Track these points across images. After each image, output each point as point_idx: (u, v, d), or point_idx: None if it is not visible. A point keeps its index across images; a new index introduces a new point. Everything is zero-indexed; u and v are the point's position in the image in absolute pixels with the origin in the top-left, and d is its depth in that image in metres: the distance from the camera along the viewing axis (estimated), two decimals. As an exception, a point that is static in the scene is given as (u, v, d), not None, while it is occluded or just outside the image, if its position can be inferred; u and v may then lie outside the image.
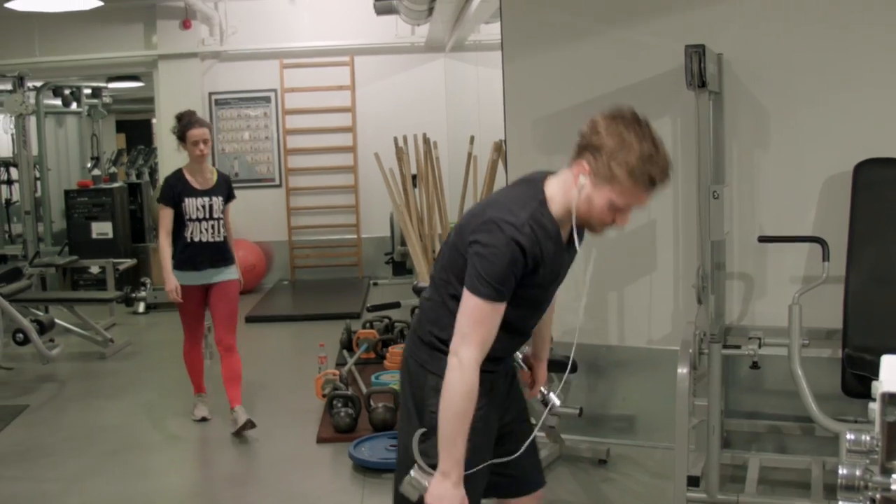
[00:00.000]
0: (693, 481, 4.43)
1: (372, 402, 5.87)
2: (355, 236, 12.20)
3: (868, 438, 1.62)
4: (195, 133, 5.99)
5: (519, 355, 3.30)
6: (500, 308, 2.62)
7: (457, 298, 2.67)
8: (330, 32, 11.77)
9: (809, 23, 4.78)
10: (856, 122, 4.75)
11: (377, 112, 11.82)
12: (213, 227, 6.08)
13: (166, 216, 6.02)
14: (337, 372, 6.56)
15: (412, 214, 6.51)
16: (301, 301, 11.14)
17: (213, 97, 12.00)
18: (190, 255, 6.05)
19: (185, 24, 11.51)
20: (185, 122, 6.00)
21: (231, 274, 6.21)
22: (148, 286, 10.68)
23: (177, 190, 6.02)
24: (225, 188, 6.21)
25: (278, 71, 11.93)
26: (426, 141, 6.62)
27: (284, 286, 11.92)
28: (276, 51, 11.86)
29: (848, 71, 4.75)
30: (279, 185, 12.08)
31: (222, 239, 6.14)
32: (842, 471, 1.65)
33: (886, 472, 1.58)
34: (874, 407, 1.67)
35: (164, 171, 11.65)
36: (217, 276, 6.14)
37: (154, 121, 14.05)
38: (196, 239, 6.03)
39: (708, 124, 4.30)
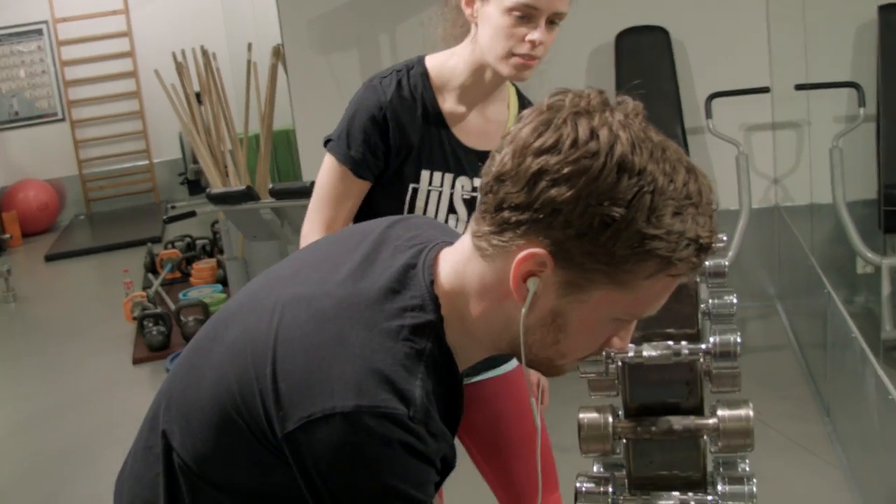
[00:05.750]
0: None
1: (182, 317, 5.90)
2: (147, 162, 11.94)
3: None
4: None
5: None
6: None
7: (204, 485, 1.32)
8: (96, -45, 11.35)
9: None
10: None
11: (155, 33, 11.35)
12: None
13: (343, 192, 2.10)
14: (144, 294, 6.56)
15: (199, 129, 6.48)
16: (100, 233, 10.91)
17: (-20, 36, 11.51)
18: None
19: (-62, -41, 10.96)
20: None
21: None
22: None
23: (403, 135, 2.06)
24: None
25: (47, 1, 11.48)
26: (204, 53, 6.56)
27: (81, 221, 11.63)
28: (42, -20, 11.38)
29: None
30: (63, 119, 11.70)
31: None
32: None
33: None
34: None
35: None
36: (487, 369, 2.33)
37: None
38: None
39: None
